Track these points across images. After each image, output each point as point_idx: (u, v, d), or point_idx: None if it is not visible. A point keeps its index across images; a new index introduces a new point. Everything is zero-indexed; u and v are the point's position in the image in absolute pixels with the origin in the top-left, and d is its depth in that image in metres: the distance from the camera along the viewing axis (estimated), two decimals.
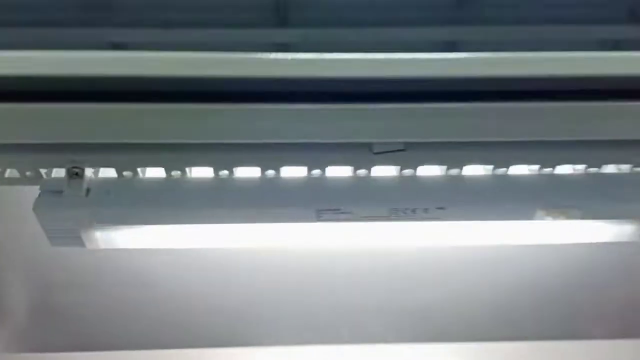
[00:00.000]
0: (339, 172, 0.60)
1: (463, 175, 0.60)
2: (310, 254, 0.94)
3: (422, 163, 0.59)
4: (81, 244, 0.61)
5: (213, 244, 0.62)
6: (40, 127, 0.51)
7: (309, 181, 0.59)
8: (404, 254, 0.91)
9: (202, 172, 0.60)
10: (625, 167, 0.61)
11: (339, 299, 0.98)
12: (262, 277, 0.95)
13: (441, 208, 0.57)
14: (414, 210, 0.57)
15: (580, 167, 0.60)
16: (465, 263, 0.91)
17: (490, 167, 0.60)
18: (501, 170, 0.60)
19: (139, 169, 0.59)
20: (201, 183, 0.59)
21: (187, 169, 0.59)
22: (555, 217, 0.58)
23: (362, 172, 0.59)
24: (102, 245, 0.62)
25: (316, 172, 0.59)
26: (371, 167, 0.59)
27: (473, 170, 0.60)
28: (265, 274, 0.94)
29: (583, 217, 0.58)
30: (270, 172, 0.59)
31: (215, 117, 0.52)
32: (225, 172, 0.59)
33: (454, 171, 0.60)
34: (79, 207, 0.57)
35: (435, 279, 0.95)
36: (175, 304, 0.99)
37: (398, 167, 0.59)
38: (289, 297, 0.98)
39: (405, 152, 0.59)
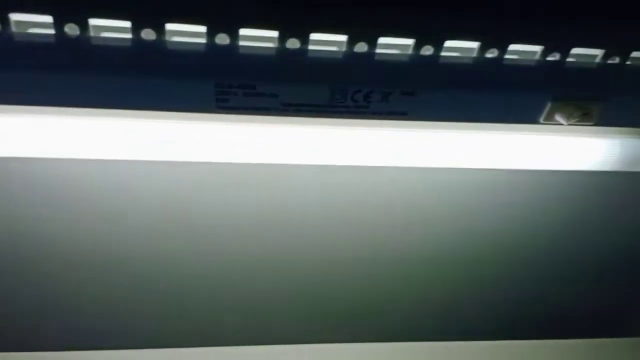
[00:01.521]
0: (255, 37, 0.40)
1: (442, 55, 0.41)
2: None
3: (384, 33, 0.40)
4: None
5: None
6: None
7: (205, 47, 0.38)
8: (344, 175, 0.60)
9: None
10: None
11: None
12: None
13: (409, 93, 0.38)
14: (367, 96, 0.38)
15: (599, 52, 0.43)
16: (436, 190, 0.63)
17: (477, 44, 0.41)
18: (494, 51, 0.42)
19: None
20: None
21: None
22: (569, 117, 0.40)
23: (294, 40, 0.39)
24: None
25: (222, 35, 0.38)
26: (309, 33, 0.38)
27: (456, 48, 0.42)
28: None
29: (600, 121, 0.41)
30: (149, 32, 0.38)
31: None
32: (73, 26, 0.37)
33: (427, 49, 0.41)
34: None
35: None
36: None
37: (347, 37, 0.39)
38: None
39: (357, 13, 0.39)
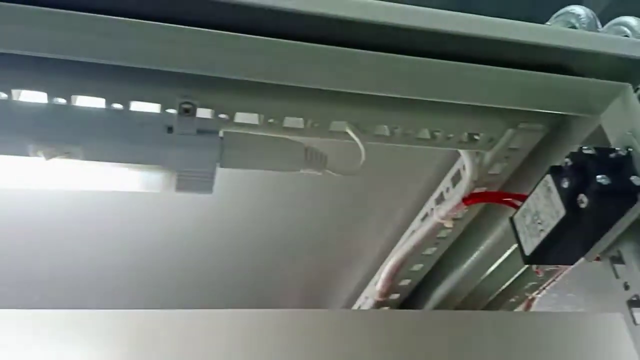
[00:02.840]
0: None
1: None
2: None
3: None
4: None
5: None
6: None
7: None
8: None
9: None
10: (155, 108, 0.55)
11: None
12: None
13: None
14: None
15: (101, 102, 0.54)
16: None
17: None
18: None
19: None
20: None
21: None
22: (50, 155, 0.51)
23: None
24: None
25: None
26: None
27: None
28: None
29: (87, 158, 0.53)
30: None
31: None
32: None
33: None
34: None
35: None
36: None
37: None
38: None
39: None
